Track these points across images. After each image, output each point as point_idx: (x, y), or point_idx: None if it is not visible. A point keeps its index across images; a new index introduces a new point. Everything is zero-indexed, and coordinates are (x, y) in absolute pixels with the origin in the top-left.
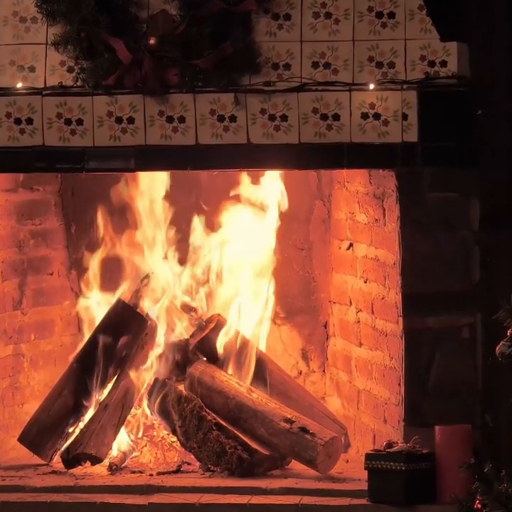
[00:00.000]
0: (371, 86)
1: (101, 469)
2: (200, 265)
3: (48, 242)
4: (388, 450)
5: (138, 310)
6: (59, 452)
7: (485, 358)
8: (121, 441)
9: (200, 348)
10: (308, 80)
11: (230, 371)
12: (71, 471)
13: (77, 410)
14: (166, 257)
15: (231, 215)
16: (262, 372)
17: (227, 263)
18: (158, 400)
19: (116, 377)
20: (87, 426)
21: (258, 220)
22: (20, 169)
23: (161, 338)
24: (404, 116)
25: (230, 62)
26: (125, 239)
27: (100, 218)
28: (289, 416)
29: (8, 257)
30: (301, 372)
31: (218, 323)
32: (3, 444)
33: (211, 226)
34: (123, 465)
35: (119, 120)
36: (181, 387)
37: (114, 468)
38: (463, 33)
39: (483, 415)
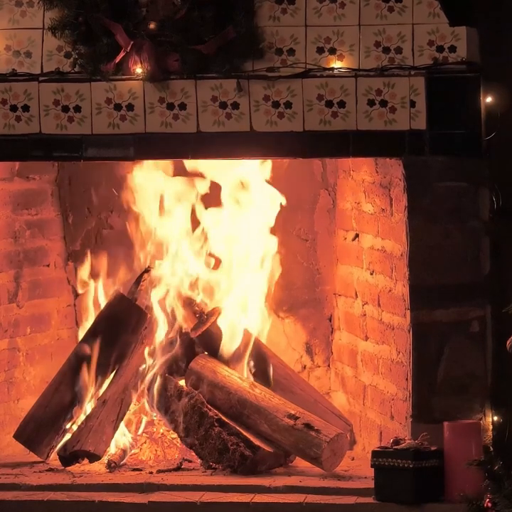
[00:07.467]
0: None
1: (99, 467)
2: (201, 258)
3: (44, 232)
4: (395, 447)
5: (137, 303)
6: (56, 449)
7: (495, 352)
8: (120, 438)
9: (201, 341)
10: (313, 66)
11: (231, 366)
12: (68, 468)
13: (75, 406)
14: (166, 251)
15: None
16: (265, 367)
17: (229, 255)
18: (158, 396)
19: (114, 372)
20: (84, 422)
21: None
22: (16, 158)
23: (161, 332)
24: (412, 103)
25: (233, 48)
26: (125, 232)
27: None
28: (293, 412)
29: (3, 248)
30: (305, 367)
31: (220, 317)
32: None
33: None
34: (122, 462)
35: (118, 107)
36: (182, 382)
37: (112, 466)
38: (472, 17)
39: (494, 411)
